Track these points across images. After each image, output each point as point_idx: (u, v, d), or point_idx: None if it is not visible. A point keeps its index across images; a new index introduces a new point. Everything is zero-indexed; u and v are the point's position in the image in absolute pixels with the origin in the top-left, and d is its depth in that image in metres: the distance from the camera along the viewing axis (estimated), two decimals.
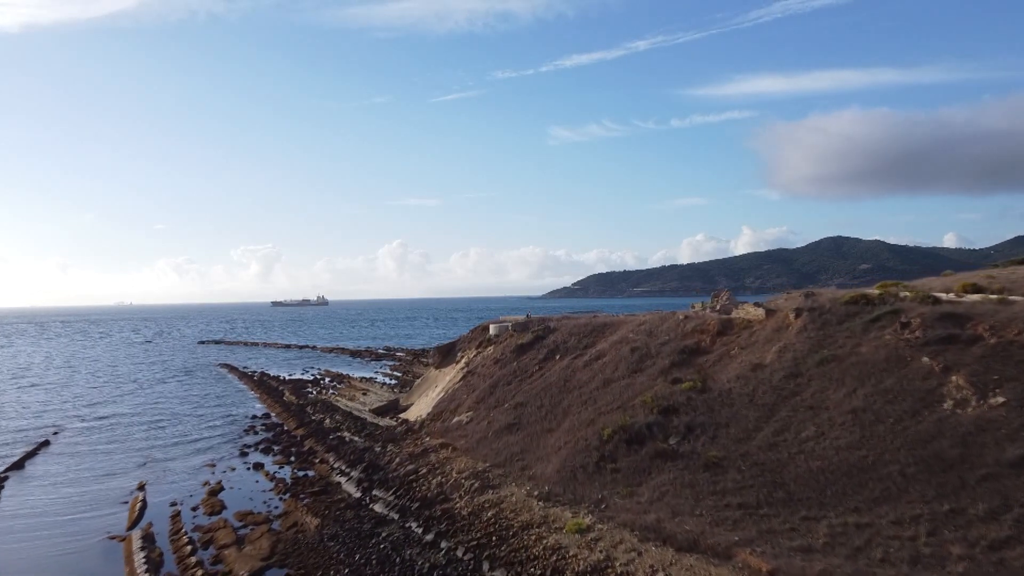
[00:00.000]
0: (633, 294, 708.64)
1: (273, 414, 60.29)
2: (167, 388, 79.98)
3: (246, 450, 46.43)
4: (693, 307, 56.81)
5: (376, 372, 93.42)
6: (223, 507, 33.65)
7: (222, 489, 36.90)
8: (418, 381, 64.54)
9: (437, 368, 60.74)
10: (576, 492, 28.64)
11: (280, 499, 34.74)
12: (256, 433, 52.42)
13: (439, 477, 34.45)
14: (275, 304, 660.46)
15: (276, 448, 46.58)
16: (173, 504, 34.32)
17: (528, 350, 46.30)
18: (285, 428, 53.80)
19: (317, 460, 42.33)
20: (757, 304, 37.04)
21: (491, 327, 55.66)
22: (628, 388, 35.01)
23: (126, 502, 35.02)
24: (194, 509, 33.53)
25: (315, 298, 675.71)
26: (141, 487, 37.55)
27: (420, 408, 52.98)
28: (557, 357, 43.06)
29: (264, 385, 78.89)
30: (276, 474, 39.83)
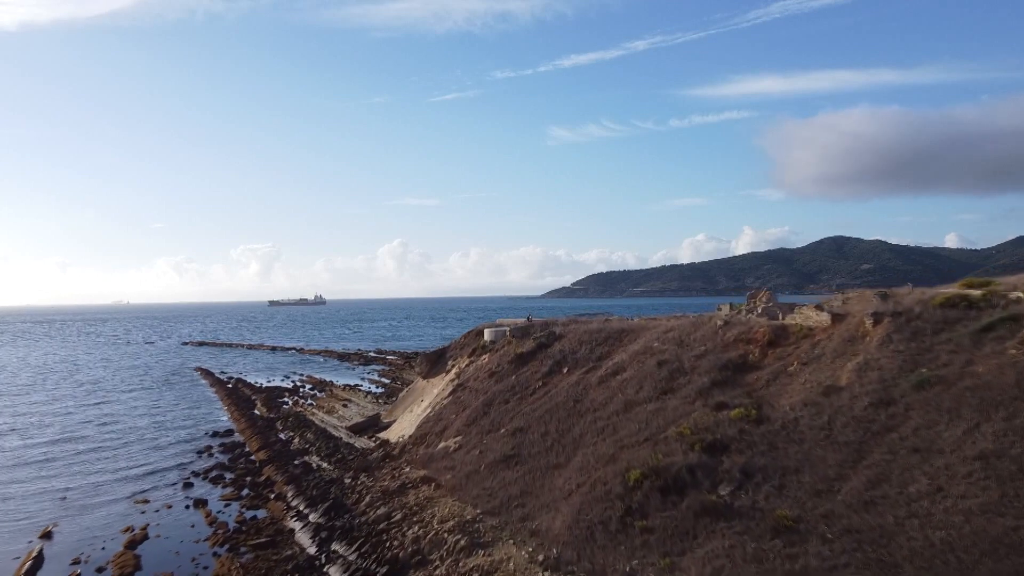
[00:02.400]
0: (633, 294, 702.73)
1: (237, 431, 52.82)
2: (132, 398, 72.31)
3: (192, 479, 38.96)
4: (720, 309, 49.41)
5: (363, 378, 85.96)
6: (137, 567, 26.18)
7: (146, 538, 29.43)
8: (403, 393, 57.06)
9: (425, 378, 53.28)
10: (595, 559, 21.24)
11: (214, 554, 27.27)
12: (211, 456, 44.93)
13: (416, 527, 27.04)
14: (272, 303, 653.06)
15: (228, 477, 39.10)
16: (75, 562, 26.87)
17: (529, 361, 38.84)
18: (246, 449, 46.32)
19: (273, 495, 34.86)
20: (819, 307, 29.58)
21: (486, 332, 48.21)
22: (657, 414, 27.56)
23: (20, 558, 27.53)
24: (100, 571, 26.06)
25: (312, 297, 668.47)
26: (45, 535, 30.05)
27: (403, 426, 45.52)
28: (565, 370, 35.61)
29: (236, 394, 71.39)
30: (219, 515, 32.39)
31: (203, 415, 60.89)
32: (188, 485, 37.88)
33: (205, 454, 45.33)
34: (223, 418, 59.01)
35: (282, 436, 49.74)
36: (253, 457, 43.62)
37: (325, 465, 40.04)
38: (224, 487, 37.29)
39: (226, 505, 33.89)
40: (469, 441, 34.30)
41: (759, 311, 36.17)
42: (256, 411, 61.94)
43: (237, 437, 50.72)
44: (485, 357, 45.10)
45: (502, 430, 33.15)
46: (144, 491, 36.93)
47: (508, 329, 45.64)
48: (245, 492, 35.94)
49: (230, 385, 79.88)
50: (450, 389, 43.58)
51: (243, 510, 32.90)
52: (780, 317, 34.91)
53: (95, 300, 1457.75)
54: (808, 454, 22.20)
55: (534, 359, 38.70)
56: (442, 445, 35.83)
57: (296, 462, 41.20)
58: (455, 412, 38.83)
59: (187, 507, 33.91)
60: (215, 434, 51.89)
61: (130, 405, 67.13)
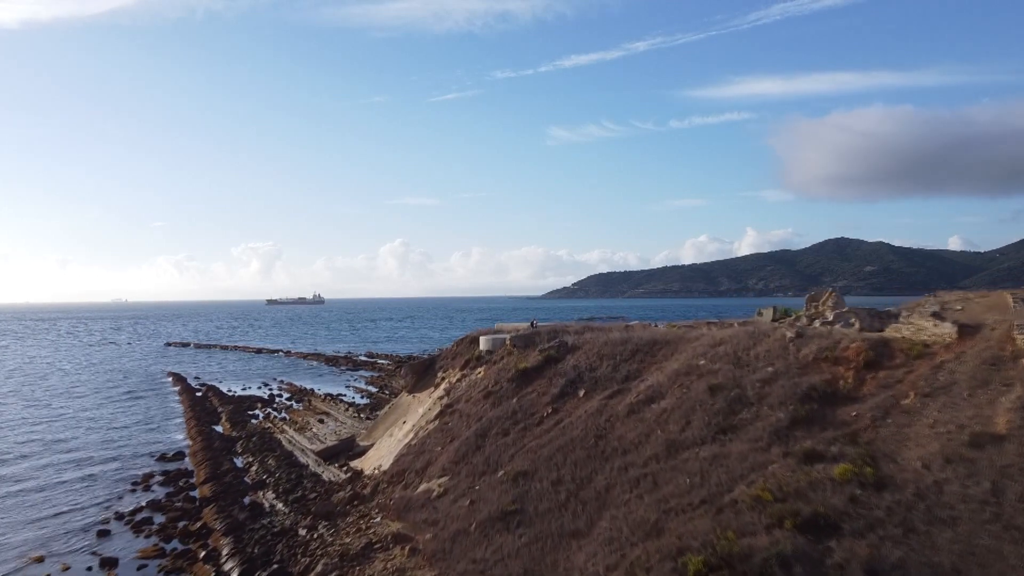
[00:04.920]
0: (634, 295, 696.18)
1: (189, 453, 44.98)
2: (89, 412, 63.81)
3: (112, 524, 31.20)
4: (761, 314, 41.66)
5: (348, 386, 78.12)
6: None
7: None
8: (384, 410, 49.24)
9: (410, 392, 45.49)
10: None
11: None
12: (148, 489, 37.12)
13: None
14: (270, 302, 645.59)
15: (158, 521, 31.29)
16: None
17: (535, 379, 31.03)
18: (192, 480, 38.52)
19: (204, 552, 27.06)
20: (937, 315, 21.73)
21: (482, 340, 40.39)
22: (716, 464, 19.75)
23: None
24: None
25: (311, 296, 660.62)
26: None
27: (380, 454, 37.75)
28: (581, 393, 27.80)
29: (202, 406, 63.53)
30: None
31: (158, 433, 52.95)
32: (104, 533, 30.08)
33: (141, 486, 37.52)
34: (179, 437, 51.13)
35: (239, 462, 42.01)
36: (196, 492, 35.83)
37: (280, 506, 32.29)
38: (148, 536, 29.50)
39: (140, 568, 26.14)
40: (457, 485, 26.52)
41: (830, 318, 28.37)
42: (220, 427, 54.23)
43: (187, 462, 42.91)
44: (480, 371, 37.33)
45: (500, 472, 25.37)
46: (47, 543, 29.06)
47: (508, 337, 37.84)
48: (171, 546, 28.16)
49: (199, 394, 72.06)
50: (437, 410, 35.79)
51: None
52: (858, 326, 27.19)
53: (95, 298, 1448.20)
54: (970, 544, 14.43)
55: (541, 377, 30.89)
56: (423, 487, 28.05)
57: (245, 500, 33.50)
58: (441, 443, 31.03)
59: (89, 568, 26.12)
60: (163, 457, 44.06)
61: (83, 421, 58.93)
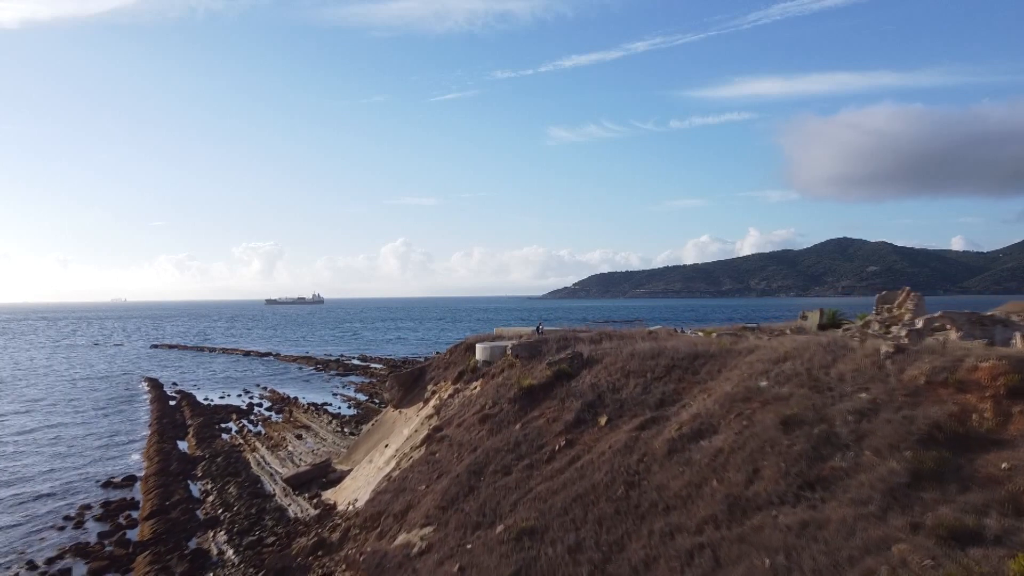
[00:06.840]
0: (635, 295, 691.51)
1: (139, 480, 38.98)
2: (48, 427, 57.48)
3: None
4: (806, 317, 35.71)
5: (335, 394, 72.18)
6: None
7: None
8: (367, 427, 43.28)
9: (396, 407, 39.59)
10: None
11: None
12: (80, 526, 31.19)
13: None
14: (269, 302, 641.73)
15: (76, 575, 25.34)
16: None
17: (543, 400, 25.09)
18: (135, 514, 32.58)
19: None
20: None
21: (478, 348, 34.45)
22: (807, 536, 13.79)
23: None
24: None
25: (310, 296, 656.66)
26: None
27: (357, 484, 31.81)
28: (603, 422, 21.87)
29: (171, 418, 57.57)
30: None
31: (114, 452, 46.90)
32: None
33: (73, 522, 31.59)
34: (136, 457, 45.14)
35: (195, 489, 36.15)
36: (135, 533, 29.91)
37: (230, 553, 26.44)
38: None
39: None
40: (444, 540, 20.59)
41: (918, 325, 22.41)
42: (185, 443, 48.34)
43: (137, 489, 36.99)
44: (476, 386, 31.41)
45: (499, 527, 19.43)
46: None
47: (509, 345, 31.91)
48: None
49: (173, 403, 66.12)
50: (424, 434, 29.84)
51: None
52: (954, 335, 21.27)
53: (95, 297, 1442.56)
54: None
55: (550, 397, 24.95)
56: (402, 539, 22.13)
57: (190, 544, 27.66)
58: (427, 479, 25.10)
59: None
60: (108, 483, 38.08)
61: (33, 442, 52.08)
